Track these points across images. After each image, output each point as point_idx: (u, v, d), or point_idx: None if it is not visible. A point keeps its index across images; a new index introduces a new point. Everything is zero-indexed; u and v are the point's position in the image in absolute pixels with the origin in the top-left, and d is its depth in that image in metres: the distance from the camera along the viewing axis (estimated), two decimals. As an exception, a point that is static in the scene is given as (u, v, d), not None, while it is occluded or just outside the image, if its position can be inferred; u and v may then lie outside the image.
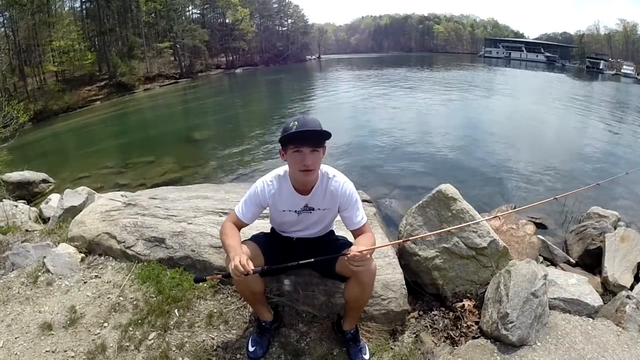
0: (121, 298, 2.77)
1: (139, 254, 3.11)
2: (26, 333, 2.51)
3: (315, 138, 1.83)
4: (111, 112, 26.79)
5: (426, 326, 2.59)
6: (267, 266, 2.00)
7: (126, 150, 13.99)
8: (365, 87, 28.06)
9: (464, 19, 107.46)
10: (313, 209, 2.10)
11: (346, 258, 1.75)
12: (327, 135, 1.84)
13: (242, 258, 1.77)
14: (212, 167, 10.46)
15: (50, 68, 32.46)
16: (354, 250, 1.74)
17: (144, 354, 2.33)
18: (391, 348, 2.40)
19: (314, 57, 75.66)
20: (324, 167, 2.06)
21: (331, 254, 1.95)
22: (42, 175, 8.81)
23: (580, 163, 9.72)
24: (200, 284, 2.76)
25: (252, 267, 1.77)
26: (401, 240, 2.45)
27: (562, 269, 3.90)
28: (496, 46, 77.94)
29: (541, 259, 4.16)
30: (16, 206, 5.39)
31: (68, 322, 2.57)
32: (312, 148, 1.83)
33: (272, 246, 2.19)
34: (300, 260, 1.88)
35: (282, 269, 2.00)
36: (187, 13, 51.28)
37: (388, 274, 2.56)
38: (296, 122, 1.81)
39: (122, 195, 4.08)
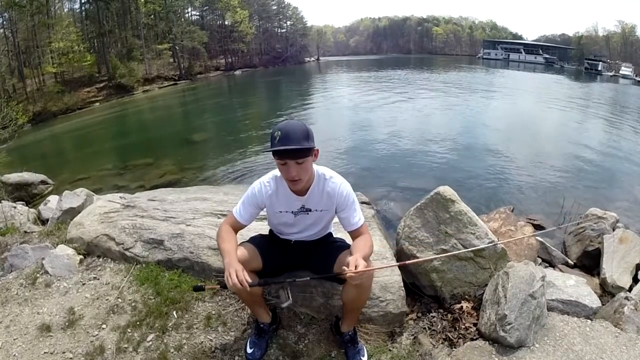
0: (120, 300, 2.78)
1: (138, 256, 3.11)
2: (25, 334, 2.51)
3: (299, 151, 1.81)
4: (110, 113, 26.79)
5: (424, 328, 2.59)
6: (264, 279, 2.04)
7: (125, 152, 13.99)
8: (363, 89, 28.08)
9: (462, 20, 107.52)
10: (310, 210, 2.10)
11: (343, 272, 1.76)
12: (310, 148, 1.83)
13: (238, 272, 1.79)
14: (211, 168, 10.44)
15: (50, 69, 32.48)
16: (349, 271, 1.73)
17: (142, 355, 2.33)
18: (389, 350, 2.40)
19: (312, 59, 75.72)
20: (321, 169, 2.07)
21: (329, 257, 1.98)
22: (41, 177, 8.78)
23: (579, 165, 9.72)
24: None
25: (249, 281, 1.81)
26: (400, 263, 2.44)
27: (560, 270, 3.90)
28: (495, 48, 78.04)
29: (539, 260, 4.16)
30: (15, 207, 5.37)
31: (66, 324, 2.57)
32: (297, 160, 1.82)
33: (270, 248, 2.19)
34: (297, 275, 1.95)
35: (278, 283, 2.04)
36: (186, 15, 51.42)
37: (386, 276, 2.56)
38: (279, 132, 1.78)
39: (120, 197, 4.09)
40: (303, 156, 1.83)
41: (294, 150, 1.79)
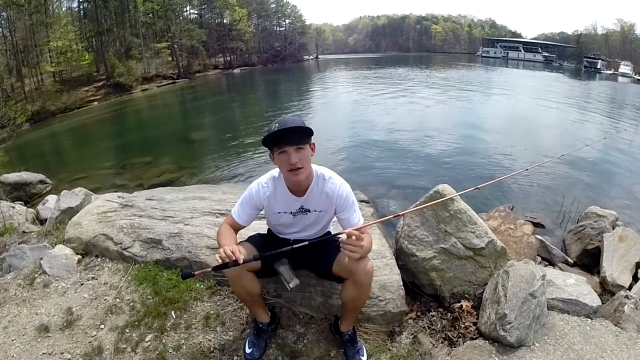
0: (118, 300, 2.76)
1: (136, 256, 3.10)
2: (23, 335, 2.50)
3: (297, 135, 1.81)
4: (109, 112, 26.71)
5: (424, 327, 2.58)
6: (259, 254, 1.94)
7: (123, 151, 13.94)
8: (362, 87, 28.05)
9: (461, 19, 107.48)
10: (309, 211, 2.09)
11: (340, 238, 1.75)
12: (307, 131, 1.83)
13: (233, 247, 1.77)
14: (209, 167, 10.41)
15: (48, 69, 32.31)
16: (351, 231, 1.74)
17: (140, 356, 2.32)
18: (389, 349, 2.39)
19: (311, 57, 75.47)
20: (320, 169, 2.06)
21: (329, 256, 1.94)
22: (40, 176, 8.75)
23: (579, 163, 9.69)
24: (197, 285, 2.75)
25: (241, 256, 1.75)
26: (392, 216, 2.28)
27: (560, 269, 3.90)
28: (494, 46, 78.16)
29: (539, 259, 4.16)
30: (13, 207, 5.34)
31: (65, 324, 2.56)
32: (296, 146, 1.82)
33: (269, 248, 2.16)
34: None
35: (275, 255, 1.93)
36: (185, 13, 51.17)
37: (385, 275, 2.55)
38: (277, 124, 1.80)
39: (119, 197, 4.08)
40: (301, 142, 1.83)
41: (293, 132, 1.79)
